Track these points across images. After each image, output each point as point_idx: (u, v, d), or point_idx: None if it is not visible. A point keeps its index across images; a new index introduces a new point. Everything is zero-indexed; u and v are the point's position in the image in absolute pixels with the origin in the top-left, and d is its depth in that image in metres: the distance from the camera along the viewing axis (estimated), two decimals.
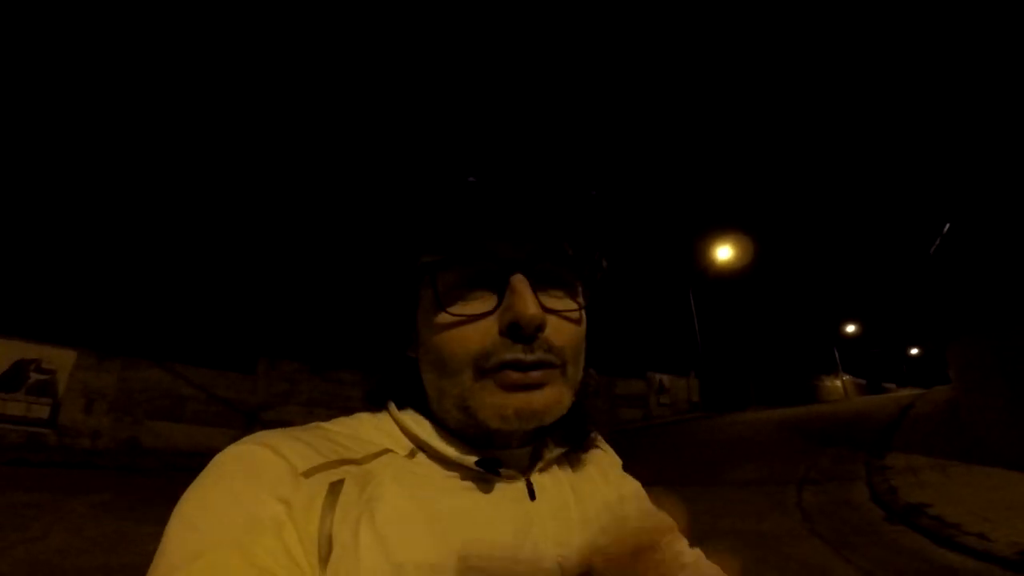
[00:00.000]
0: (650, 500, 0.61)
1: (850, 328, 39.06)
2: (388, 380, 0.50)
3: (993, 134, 7.61)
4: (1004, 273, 6.27)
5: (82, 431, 7.79)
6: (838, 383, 29.57)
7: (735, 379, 21.88)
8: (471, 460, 0.43)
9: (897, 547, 3.94)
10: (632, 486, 0.59)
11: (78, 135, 11.04)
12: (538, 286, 0.42)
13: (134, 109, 12.48)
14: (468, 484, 0.43)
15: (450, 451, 0.44)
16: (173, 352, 8.81)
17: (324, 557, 0.35)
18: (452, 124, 0.50)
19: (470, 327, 0.41)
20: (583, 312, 0.46)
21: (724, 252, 22.08)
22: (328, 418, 0.47)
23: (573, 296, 0.46)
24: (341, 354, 9.64)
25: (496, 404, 0.41)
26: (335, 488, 0.38)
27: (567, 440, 0.51)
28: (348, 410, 0.49)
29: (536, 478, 0.47)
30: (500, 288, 0.42)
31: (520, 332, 0.40)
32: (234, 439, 0.40)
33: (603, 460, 0.57)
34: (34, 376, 7.59)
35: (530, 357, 0.41)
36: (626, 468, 0.63)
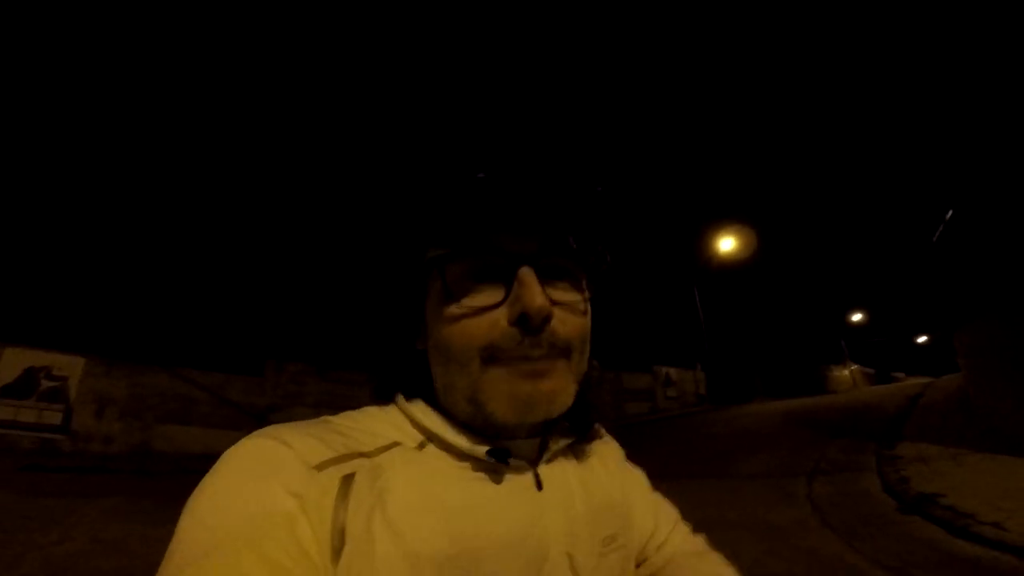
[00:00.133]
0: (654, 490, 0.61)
1: (856, 317, 38.85)
2: (396, 373, 0.50)
3: (999, 119, 7.53)
4: (1011, 257, 6.20)
5: (94, 436, 7.87)
6: (846, 373, 29.38)
7: (742, 371, 21.85)
8: (482, 451, 0.44)
9: (910, 538, 3.91)
10: (635, 476, 0.60)
11: (85, 143, 11.12)
12: (544, 279, 0.43)
13: (139, 114, 12.54)
14: (478, 475, 0.44)
15: (460, 442, 0.44)
16: (181, 356, 8.88)
17: (337, 550, 0.36)
18: (460, 121, 0.51)
19: (478, 318, 0.42)
20: (588, 304, 0.47)
21: (728, 243, 22.00)
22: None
23: (578, 289, 0.47)
24: (348, 355, 9.71)
25: (504, 394, 0.42)
26: (347, 481, 0.38)
27: (572, 431, 0.51)
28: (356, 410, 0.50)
29: (543, 469, 0.47)
30: (507, 281, 0.42)
31: (528, 323, 0.41)
32: None
33: (606, 451, 0.58)
34: (45, 383, 7.67)
35: (537, 349, 0.42)
36: (634, 461, 0.63)
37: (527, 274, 0.42)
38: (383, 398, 0.50)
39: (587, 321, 0.47)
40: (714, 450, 8.47)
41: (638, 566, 0.55)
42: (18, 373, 7.51)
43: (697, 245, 22.83)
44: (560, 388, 0.43)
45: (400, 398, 0.49)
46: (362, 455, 0.41)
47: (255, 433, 0.40)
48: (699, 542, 0.58)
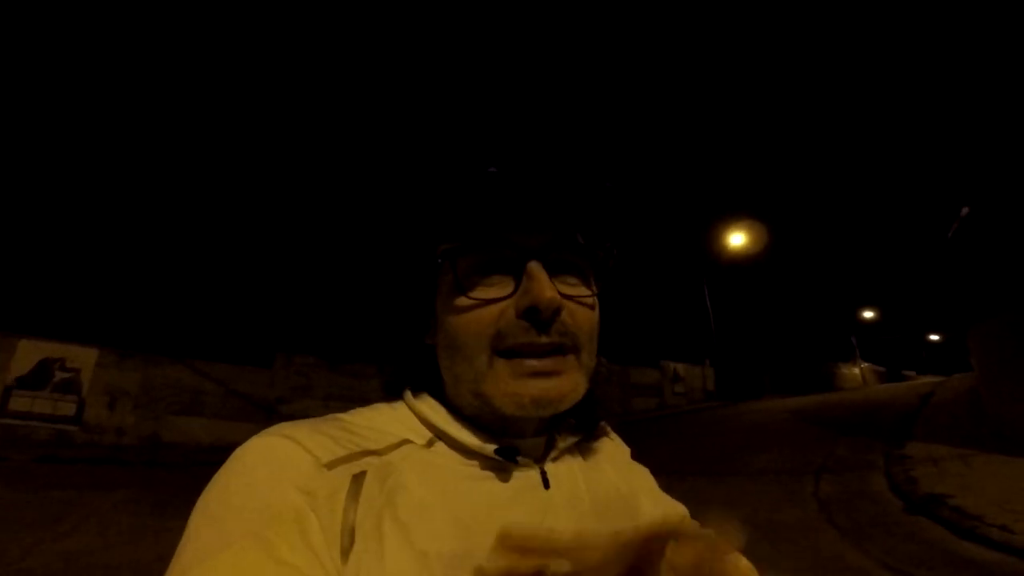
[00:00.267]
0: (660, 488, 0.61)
1: (868, 314, 38.42)
2: (405, 367, 0.51)
3: (1016, 114, 7.39)
4: None
5: (107, 428, 8.00)
6: (856, 370, 29.11)
7: (751, 367, 21.69)
8: (490, 449, 0.44)
9: (916, 538, 3.89)
10: (641, 474, 0.60)
11: (98, 138, 11.23)
12: (553, 273, 0.43)
13: (149, 109, 12.64)
14: (486, 473, 0.44)
15: (469, 440, 0.44)
16: (192, 348, 8.98)
17: (346, 549, 0.36)
18: (471, 116, 0.52)
19: (487, 309, 0.43)
20: (596, 299, 0.47)
21: (738, 239, 21.85)
22: (345, 411, 0.48)
23: (586, 284, 0.47)
24: (357, 348, 9.78)
25: (512, 391, 0.42)
26: (357, 480, 0.39)
27: (578, 429, 0.52)
28: (365, 403, 0.50)
29: (550, 467, 0.47)
30: (517, 274, 0.43)
31: (538, 315, 0.42)
32: (254, 433, 0.40)
33: (612, 449, 0.58)
34: (59, 374, 7.80)
35: (545, 340, 0.42)
36: (640, 458, 0.63)
37: (536, 267, 0.42)
38: (393, 393, 0.50)
39: (596, 316, 0.47)
40: (721, 447, 8.45)
41: None
42: (32, 365, 7.65)
43: (707, 240, 22.72)
44: (570, 387, 0.43)
45: (408, 394, 0.49)
46: (372, 453, 0.41)
47: (266, 431, 0.40)
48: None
